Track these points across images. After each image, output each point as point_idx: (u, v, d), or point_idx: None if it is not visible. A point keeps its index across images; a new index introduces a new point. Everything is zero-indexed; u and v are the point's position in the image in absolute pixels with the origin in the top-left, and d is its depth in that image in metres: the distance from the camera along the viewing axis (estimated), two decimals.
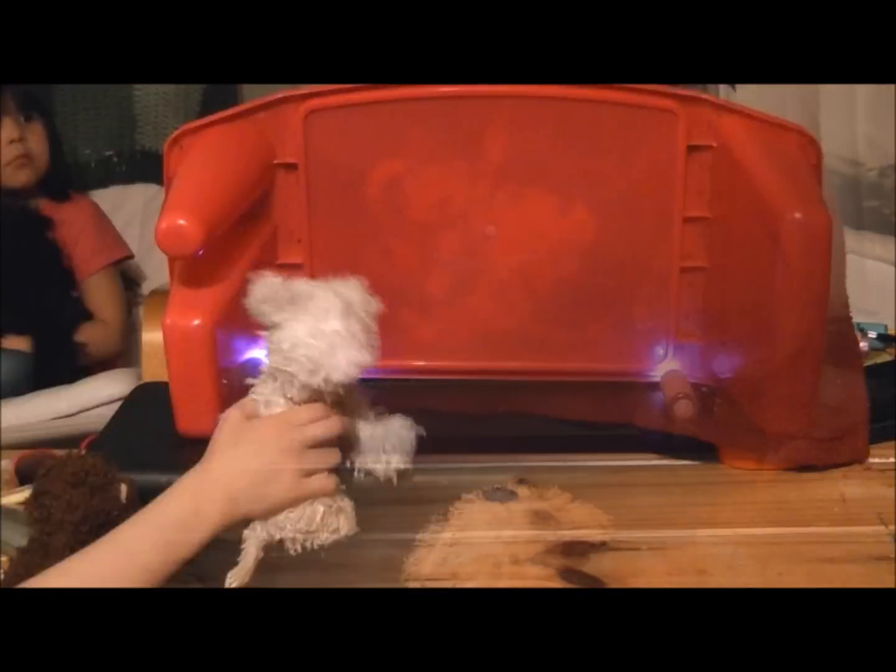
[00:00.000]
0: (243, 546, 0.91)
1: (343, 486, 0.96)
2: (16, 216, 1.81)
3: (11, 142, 1.76)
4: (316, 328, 0.89)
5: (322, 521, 0.92)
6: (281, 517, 0.91)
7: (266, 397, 0.95)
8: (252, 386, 0.97)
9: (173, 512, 0.87)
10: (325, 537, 0.92)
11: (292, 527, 0.92)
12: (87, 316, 1.83)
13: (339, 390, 0.93)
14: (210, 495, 0.87)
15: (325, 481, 0.92)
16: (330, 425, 0.92)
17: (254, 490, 0.89)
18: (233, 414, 0.91)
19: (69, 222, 1.84)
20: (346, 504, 0.95)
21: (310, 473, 0.91)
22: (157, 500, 0.87)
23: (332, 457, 0.93)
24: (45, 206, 1.84)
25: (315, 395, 0.93)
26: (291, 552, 0.92)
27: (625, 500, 1.00)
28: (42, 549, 0.93)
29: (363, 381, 0.96)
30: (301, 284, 0.93)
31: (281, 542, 0.92)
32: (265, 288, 0.90)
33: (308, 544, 0.92)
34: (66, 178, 1.90)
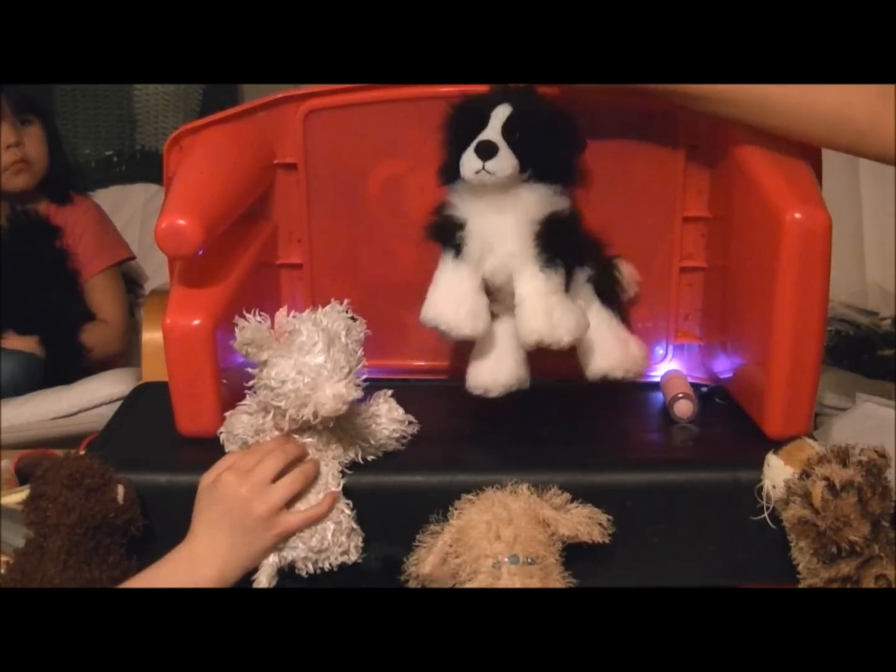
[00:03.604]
0: (255, 577, 0.92)
1: (350, 503, 0.96)
2: (18, 219, 1.81)
3: (8, 147, 1.76)
4: (301, 363, 0.91)
5: (333, 539, 0.93)
6: (293, 538, 0.93)
7: (255, 429, 0.98)
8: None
9: (169, 579, 0.89)
10: (335, 558, 0.94)
11: (304, 545, 0.93)
12: (90, 317, 1.83)
13: (328, 423, 0.95)
14: (202, 562, 0.90)
15: (305, 514, 0.94)
16: (278, 456, 0.94)
17: (238, 546, 0.91)
18: (204, 481, 0.94)
19: (71, 224, 1.84)
20: (356, 527, 0.96)
21: (290, 503, 0.93)
22: (153, 566, 0.90)
23: (299, 478, 0.94)
24: (46, 208, 1.84)
25: (306, 425, 0.94)
26: (304, 574, 0.93)
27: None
28: (38, 552, 0.93)
29: (364, 381, 0.97)
30: (285, 320, 0.95)
31: (293, 564, 0.94)
32: (249, 330, 0.92)
33: (320, 565, 0.94)
34: (67, 180, 1.90)
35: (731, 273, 1.13)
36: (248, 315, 0.94)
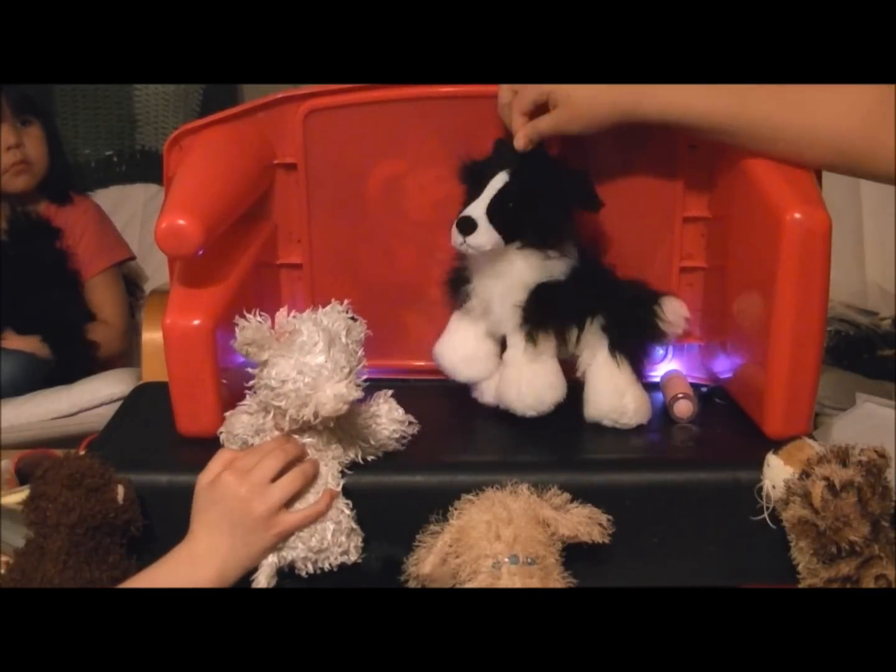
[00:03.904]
0: (254, 578, 0.92)
1: (350, 503, 0.96)
2: (19, 220, 1.81)
3: (9, 148, 1.76)
4: (302, 363, 0.91)
5: (333, 539, 0.93)
6: (292, 538, 0.93)
7: (255, 428, 0.98)
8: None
9: (168, 580, 0.89)
10: (334, 558, 0.94)
11: (304, 545, 0.93)
12: (90, 317, 1.83)
13: (328, 423, 0.95)
14: (202, 562, 0.90)
15: (304, 512, 0.93)
16: (278, 455, 0.94)
17: (238, 546, 0.91)
18: (201, 480, 0.94)
19: (71, 224, 1.84)
20: (356, 527, 0.96)
21: (289, 503, 0.93)
22: (152, 566, 0.90)
23: (298, 478, 0.94)
24: (46, 209, 1.84)
25: (306, 425, 0.94)
26: (303, 574, 0.93)
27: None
28: (38, 552, 0.93)
29: (365, 381, 0.97)
30: (286, 320, 0.95)
31: (292, 564, 0.94)
32: (249, 330, 0.92)
33: (319, 565, 0.94)
34: (67, 180, 1.90)
35: (731, 273, 1.13)
36: (248, 315, 0.94)
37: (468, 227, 1.03)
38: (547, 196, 1.05)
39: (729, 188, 1.12)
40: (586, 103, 1.03)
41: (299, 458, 0.96)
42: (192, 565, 0.89)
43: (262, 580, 0.92)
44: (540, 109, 1.05)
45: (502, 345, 1.11)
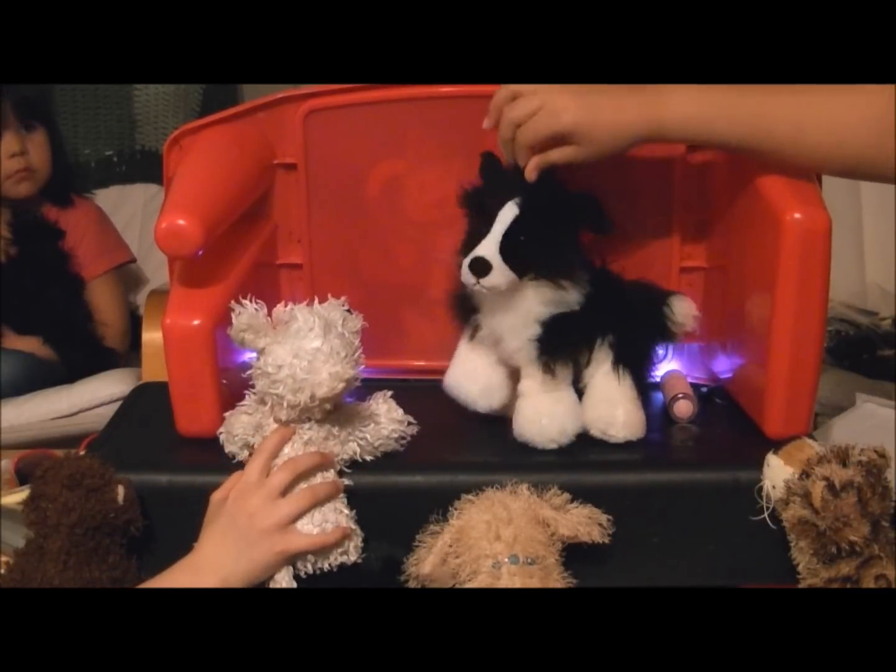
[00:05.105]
0: (273, 579, 0.92)
1: (346, 502, 0.96)
2: (24, 223, 1.80)
3: (13, 156, 1.75)
4: (298, 347, 0.91)
5: None
6: None
7: (255, 423, 0.98)
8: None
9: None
10: (333, 558, 0.93)
11: None
12: (90, 318, 1.83)
13: (325, 406, 0.94)
14: (205, 572, 0.89)
15: (311, 539, 0.92)
16: (288, 467, 0.93)
17: (241, 560, 0.90)
18: (214, 496, 0.94)
19: (71, 226, 1.84)
20: (355, 528, 0.95)
21: (296, 518, 0.92)
22: (156, 577, 0.90)
23: (306, 498, 0.93)
24: (48, 211, 1.84)
25: (304, 413, 0.94)
26: (302, 574, 0.93)
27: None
28: (38, 552, 0.93)
29: (364, 381, 0.97)
30: (281, 309, 0.95)
31: (292, 565, 0.93)
32: (246, 317, 0.92)
33: (318, 565, 0.93)
34: (69, 183, 1.90)
35: (731, 273, 1.13)
36: (244, 301, 0.93)
37: (483, 269, 0.98)
38: (559, 226, 1.02)
39: (729, 188, 1.12)
40: (608, 138, 1.00)
41: (311, 472, 0.95)
42: (195, 574, 0.89)
43: (282, 581, 0.92)
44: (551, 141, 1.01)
45: (514, 371, 1.09)
